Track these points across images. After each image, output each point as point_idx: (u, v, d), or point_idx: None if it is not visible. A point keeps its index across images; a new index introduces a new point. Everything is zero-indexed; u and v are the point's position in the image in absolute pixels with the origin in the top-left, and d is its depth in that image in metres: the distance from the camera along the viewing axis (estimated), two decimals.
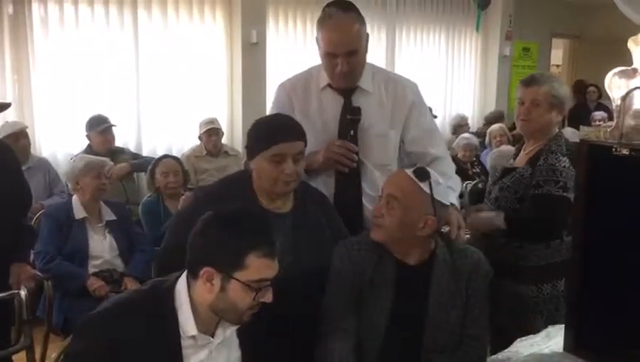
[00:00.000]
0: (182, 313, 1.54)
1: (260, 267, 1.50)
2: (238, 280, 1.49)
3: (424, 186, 1.88)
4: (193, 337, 1.55)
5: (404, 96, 2.36)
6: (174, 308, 1.54)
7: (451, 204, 2.12)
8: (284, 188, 1.97)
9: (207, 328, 1.58)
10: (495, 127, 5.98)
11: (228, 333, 1.63)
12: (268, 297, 1.54)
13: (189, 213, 2.07)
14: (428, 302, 1.92)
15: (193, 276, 1.54)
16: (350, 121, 2.29)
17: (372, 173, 2.32)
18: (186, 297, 1.55)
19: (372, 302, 1.92)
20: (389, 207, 1.90)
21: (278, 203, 2.02)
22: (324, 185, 2.32)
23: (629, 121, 1.59)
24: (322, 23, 2.26)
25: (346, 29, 2.20)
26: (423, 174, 1.89)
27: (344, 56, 2.19)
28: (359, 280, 1.92)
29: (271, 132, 1.96)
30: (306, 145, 2.02)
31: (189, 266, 1.55)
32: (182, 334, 1.54)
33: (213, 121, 5.14)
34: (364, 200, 2.31)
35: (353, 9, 2.24)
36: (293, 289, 1.89)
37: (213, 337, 1.60)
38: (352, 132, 2.28)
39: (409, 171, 1.93)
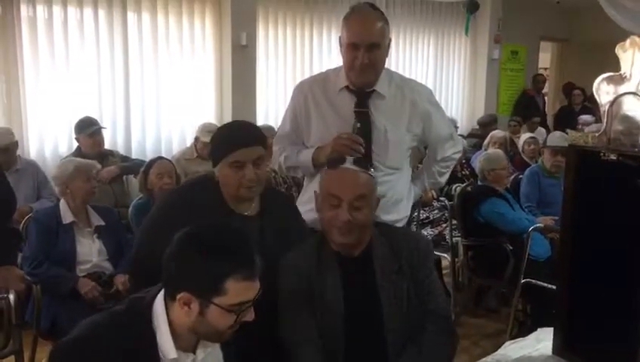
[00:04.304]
0: (160, 334, 1.48)
1: (240, 290, 1.44)
2: (217, 305, 1.43)
3: (370, 173, 2.05)
4: (174, 359, 1.49)
5: (420, 105, 2.45)
6: (152, 329, 1.48)
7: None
8: (247, 193, 2.00)
9: (188, 345, 1.53)
10: (499, 133, 6.03)
11: (210, 349, 1.59)
12: (249, 316, 1.49)
13: (159, 218, 2.09)
14: (376, 282, 1.94)
15: (170, 298, 1.48)
16: (357, 113, 2.34)
17: (383, 173, 2.39)
18: (164, 317, 1.48)
19: (325, 298, 1.94)
20: (357, 208, 1.92)
21: (245, 205, 2.06)
22: None
23: (617, 127, 1.61)
24: (348, 17, 2.33)
25: (370, 22, 2.29)
26: (363, 163, 2.06)
27: (366, 48, 2.25)
28: (308, 286, 1.94)
29: (230, 139, 2.00)
30: (266, 149, 2.04)
31: (166, 287, 1.49)
32: (161, 356, 1.48)
33: (214, 130, 5.10)
34: None
35: (379, 10, 2.35)
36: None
37: (194, 354, 1.55)
38: (358, 125, 2.33)
39: (351, 166, 2.02)
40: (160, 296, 1.51)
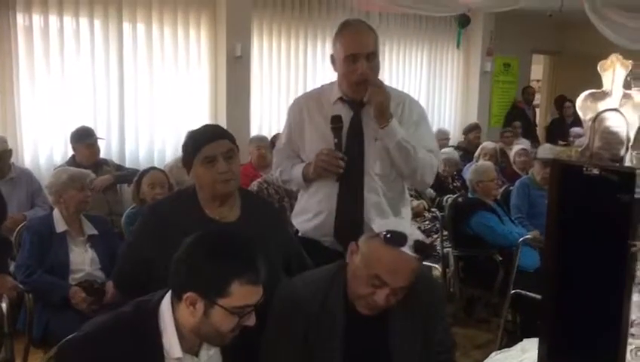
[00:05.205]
0: (166, 335, 1.53)
1: (243, 294, 1.50)
2: (221, 306, 1.48)
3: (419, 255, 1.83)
4: (178, 359, 1.54)
5: (409, 116, 2.49)
6: (159, 330, 1.53)
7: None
8: (224, 187, 2.00)
9: (191, 347, 1.58)
10: (489, 144, 6.09)
11: (212, 352, 1.63)
12: (251, 321, 1.54)
13: (143, 230, 2.12)
14: (388, 340, 1.86)
15: (177, 298, 1.53)
16: (332, 129, 2.38)
17: (374, 182, 2.43)
18: (170, 318, 1.54)
19: (323, 341, 1.84)
20: (397, 295, 1.80)
21: (224, 211, 2.05)
22: (329, 192, 2.42)
23: (599, 142, 1.66)
24: (341, 31, 2.39)
25: (365, 32, 2.37)
26: (423, 249, 1.81)
27: (365, 58, 2.31)
28: (305, 323, 1.83)
29: (197, 138, 2.05)
30: (235, 145, 2.06)
31: (173, 289, 1.55)
32: (166, 356, 1.53)
33: None
34: (365, 206, 2.41)
35: (368, 24, 2.44)
36: None
37: (197, 356, 1.59)
38: (336, 140, 2.37)
39: (412, 253, 1.78)
40: (167, 298, 1.57)
